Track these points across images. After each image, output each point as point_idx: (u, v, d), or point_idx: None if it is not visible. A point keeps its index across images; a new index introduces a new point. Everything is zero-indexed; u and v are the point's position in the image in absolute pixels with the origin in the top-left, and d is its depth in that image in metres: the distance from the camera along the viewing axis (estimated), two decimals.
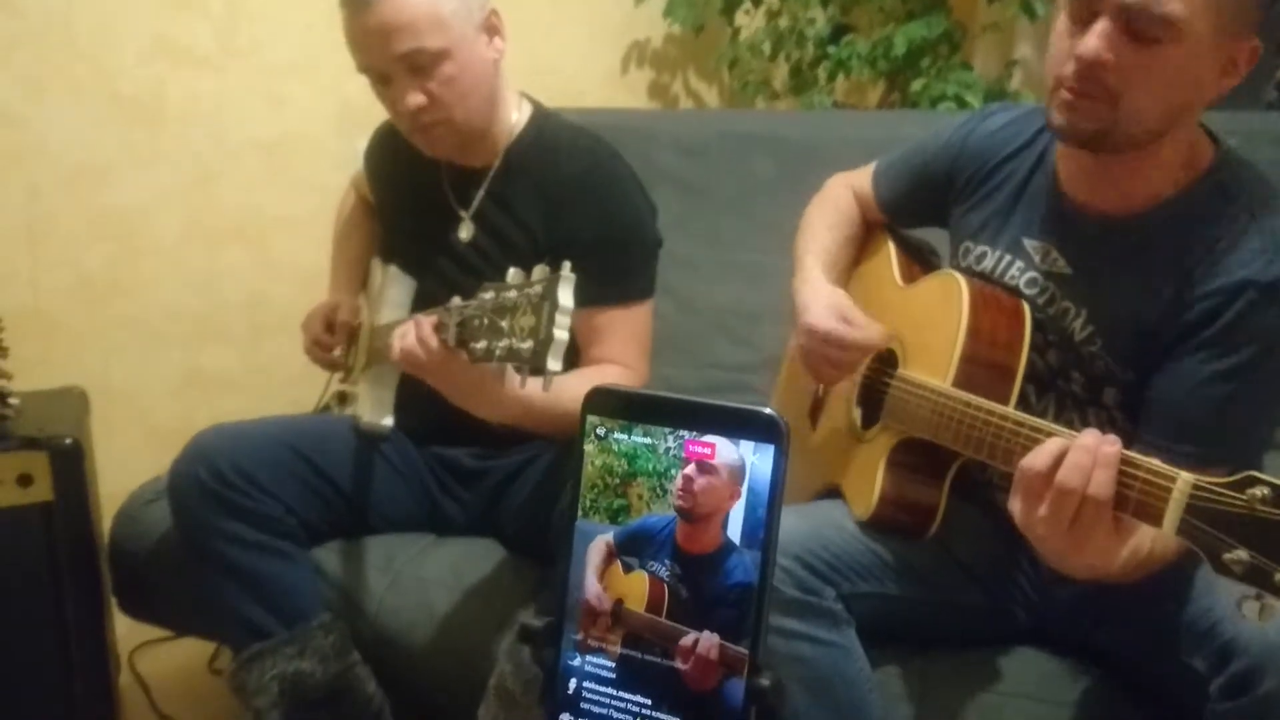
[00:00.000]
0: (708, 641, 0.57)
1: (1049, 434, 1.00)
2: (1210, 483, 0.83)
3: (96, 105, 2.07)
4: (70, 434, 1.60)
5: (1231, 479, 0.81)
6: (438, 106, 1.39)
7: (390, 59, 1.36)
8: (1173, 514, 0.85)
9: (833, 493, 1.34)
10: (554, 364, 0.97)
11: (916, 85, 2.38)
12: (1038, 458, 0.94)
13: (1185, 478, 0.85)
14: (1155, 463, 0.89)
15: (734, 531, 0.59)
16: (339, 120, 2.24)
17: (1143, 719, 1.19)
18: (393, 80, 1.39)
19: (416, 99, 1.38)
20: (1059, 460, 0.92)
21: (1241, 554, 0.78)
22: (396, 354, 1.18)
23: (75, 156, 2.07)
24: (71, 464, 1.58)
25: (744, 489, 0.57)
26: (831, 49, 2.49)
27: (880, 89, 2.66)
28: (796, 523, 1.20)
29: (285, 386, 2.21)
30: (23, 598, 1.58)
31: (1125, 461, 0.90)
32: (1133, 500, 0.89)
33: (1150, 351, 1.14)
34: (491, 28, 1.43)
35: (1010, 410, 1.08)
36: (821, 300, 1.31)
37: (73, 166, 2.07)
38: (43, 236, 2.07)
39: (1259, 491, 0.78)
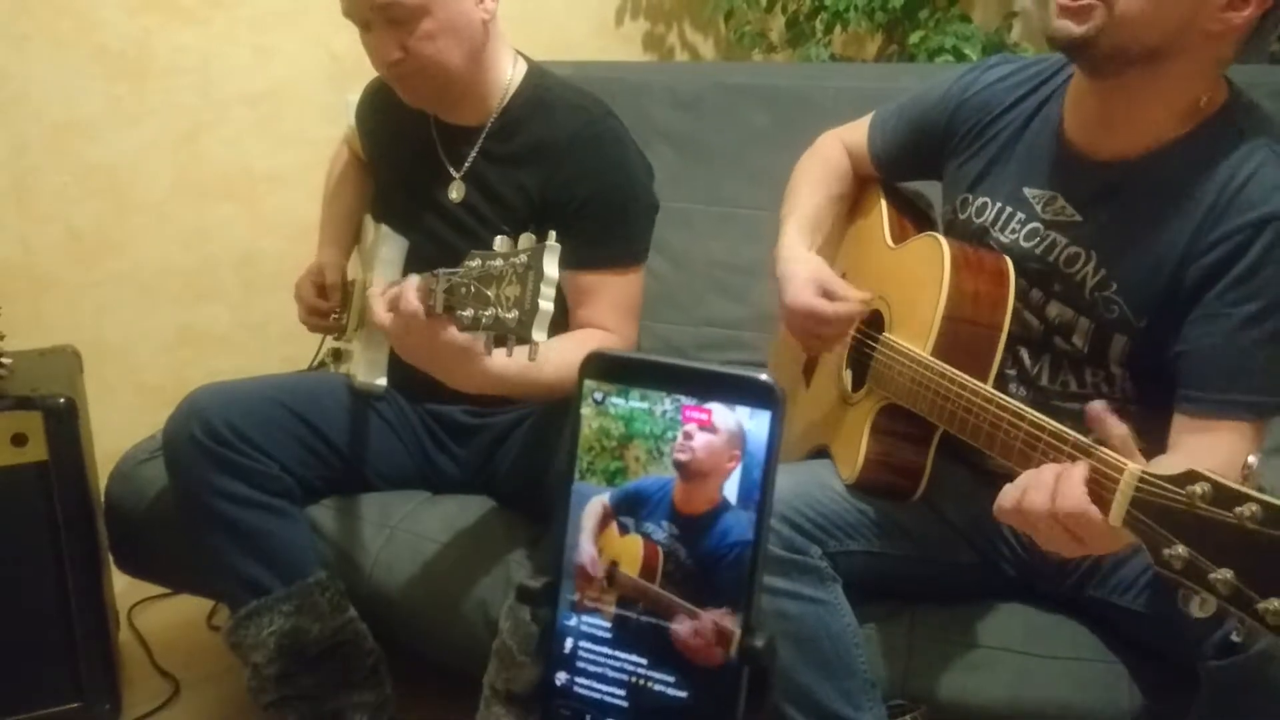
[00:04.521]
0: (705, 620, 0.58)
1: (1014, 413, 1.01)
2: (1154, 476, 0.82)
3: (81, 59, 2.04)
4: (64, 393, 1.59)
5: (1174, 474, 0.80)
6: (413, 60, 1.38)
7: (368, 8, 1.35)
8: (1119, 505, 0.85)
9: (823, 453, 1.35)
10: (539, 334, 0.97)
11: (914, 38, 2.35)
12: (1004, 499, 0.95)
13: (1132, 469, 0.85)
14: (1107, 452, 0.89)
15: (730, 494, 0.59)
16: (327, 72, 2.21)
17: (1130, 673, 1.21)
18: (372, 29, 1.38)
19: (392, 52, 1.37)
20: (1023, 494, 0.93)
21: (1180, 550, 0.77)
22: (379, 324, 1.17)
23: (61, 112, 2.04)
24: (66, 423, 1.57)
25: (742, 454, 0.57)
26: (828, 0, 2.46)
27: (878, 41, 2.63)
28: (784, 482, 1.19)
29: (279, 343, 2.21)
30: (20, 557, 1.58)
31: (1078, 447, 0.91)
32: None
33: (1168, 295, 1.12)
34: None
35: (982, 387, 1.08)
36: (800, 275, 1.30)
37: (58, 122, 2.04)
38: (30, 194, 2.05)
39: (1199, 488, 0.77)
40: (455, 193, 1.51)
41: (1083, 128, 1.20)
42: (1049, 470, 0.93)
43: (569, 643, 0.62)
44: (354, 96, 1.69)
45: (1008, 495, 0.95)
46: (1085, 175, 1.19)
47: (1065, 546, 0.93)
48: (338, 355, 1.69)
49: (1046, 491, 0.91)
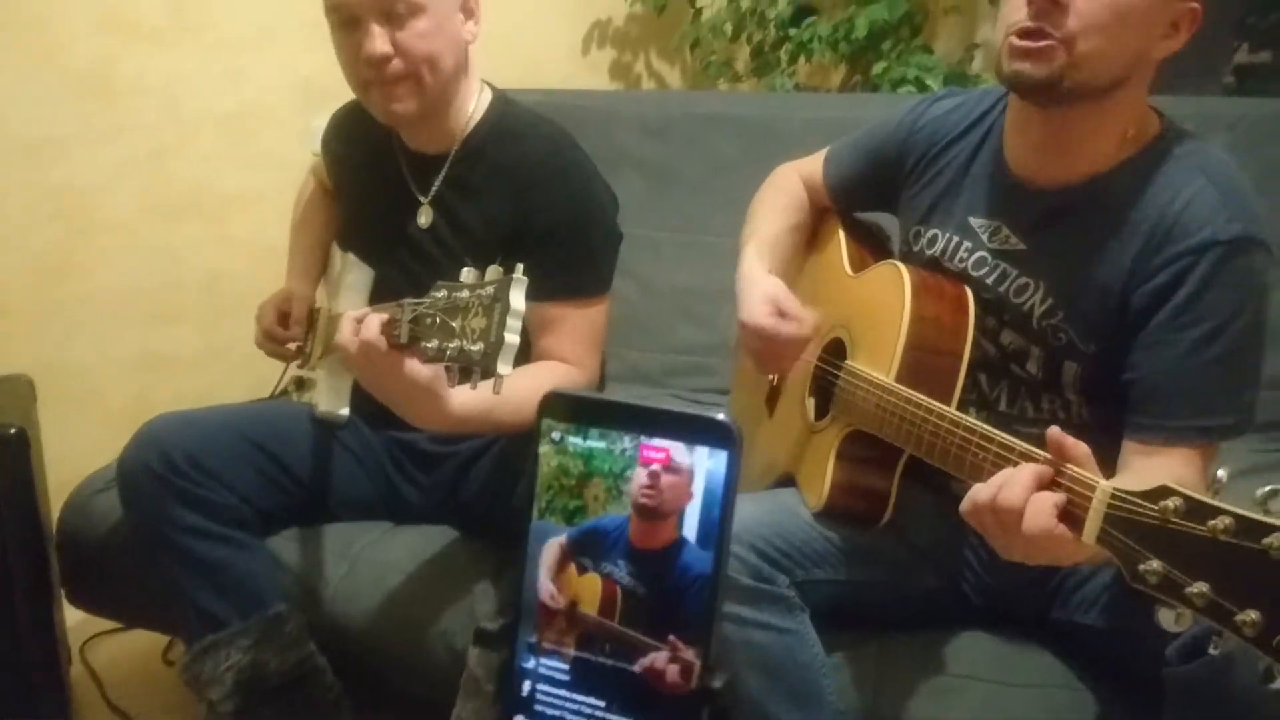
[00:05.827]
0: (665, 659, 0.57)
1: (983, 435, 1.01)
2: (1127, 493, 0.83)
3: (46, 80, 2.01)
4: (15, 423, 1.56)
5: (1146, 490, 0.81)
6: (403, 58, 1.35)
7: (360, 3, 1.33)
8: (1092, 522, 0.86)
9: (788, 481, 1.35)
10: (504, 367, 0.97)
11: (878, 68, 2.38)
12: (979, 495, 0.95)
13: (1104, 486, 0.86)
14: (1079, 470, 0.90)
15: (689, 532, 0.58)
16: (297, 95, 2.20)
17: (1097, 700, 1.21)
18: (361, 23, 1.34)
19: (383, 47, 1.33)
20: (998, 490, 0.93)
21: (1155, 565, 0.78)
22: (342, 349, 1.16)
23: (24, 132, 2.01)
24: (17, 454, 1.55)
25: (698, 490, 0.57)
26: (793, 31, 2.48)
27: (842, 72, 2.66)
28: (751, 510, 1.20)
29: (244, 368, 2.17)
30: None
31: (1048, 465, 0.91)
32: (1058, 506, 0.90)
33: (1115, 321, 1.14)
34: (468, 9, 1.42)
35: (948, 410, 1.09)
36: (756, 294, 1.30)
37: (22, 143, 2.01)
38: None
39: (1171, 503, 0.78)
40: (423, 218, 1.50)
41: (1025, 156, 1.22)
42: (1026, 472, 0.92)
43: (527, 685, 0.61)
44: (319, 122, 1.68)
45: (982, 491, 0.94)
46: (1027, 203, 1.21)
47: (1028, 557, 0.94)
48: (301, 383, 1.67)
49: (1019, 497, 0.91)
